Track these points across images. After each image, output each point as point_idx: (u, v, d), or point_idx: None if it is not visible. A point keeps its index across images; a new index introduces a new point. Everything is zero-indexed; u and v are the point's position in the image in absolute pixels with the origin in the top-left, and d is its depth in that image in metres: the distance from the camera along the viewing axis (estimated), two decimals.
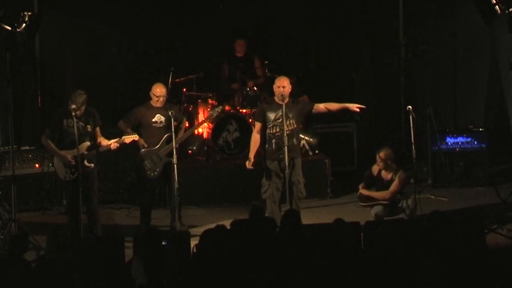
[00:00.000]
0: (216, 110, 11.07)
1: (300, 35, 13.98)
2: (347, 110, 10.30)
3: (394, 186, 10.14)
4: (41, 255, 9.40)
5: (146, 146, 10.37)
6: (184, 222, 10.70)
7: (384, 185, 10.22)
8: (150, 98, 10.46)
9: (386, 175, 10.26)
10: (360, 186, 10.37)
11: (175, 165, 10.01)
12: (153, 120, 10.35)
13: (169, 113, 10.15)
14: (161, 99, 10.36)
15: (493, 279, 6.50)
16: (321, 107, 10.13)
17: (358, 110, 10.11)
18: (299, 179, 10.01)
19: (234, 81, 12.88)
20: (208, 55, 13.46)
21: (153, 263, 6.89)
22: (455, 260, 6.67)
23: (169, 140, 10.28)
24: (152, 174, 10.40)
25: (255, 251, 6.98)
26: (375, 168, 10.34)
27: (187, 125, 11.20)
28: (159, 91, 10.37)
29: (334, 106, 10.19)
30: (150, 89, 10.46)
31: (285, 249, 7.01)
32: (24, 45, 11.31)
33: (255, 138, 10.12)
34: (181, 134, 10.59)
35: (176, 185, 10.04)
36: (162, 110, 10.38)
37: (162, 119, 10.30)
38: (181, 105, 12.27)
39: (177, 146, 10.22)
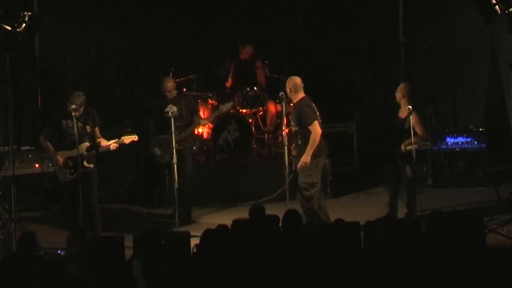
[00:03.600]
0: (227, 105, 11.41)
1: (300, 35, 13.97)
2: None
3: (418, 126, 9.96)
4: (41, 256, 9.38)
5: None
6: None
7: (404, 125, 10.03)
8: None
9: (402, 113, 10.08)
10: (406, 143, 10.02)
11: (175, 165, 10.10)
12: (165, 110, 10.68)
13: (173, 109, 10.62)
14: (170, 92, 10.91)
15: (493, 279, 6.50)
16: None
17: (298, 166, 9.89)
18: (300, 184, 9.93)
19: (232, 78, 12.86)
20: (208, 55, 13.46)
21: (153, 263, 6.88)
22: (455, 260, 6.67)
23: (180, 129, 10.68)
24: (162, 160, 10.85)
25: (256, 251, 6.98)
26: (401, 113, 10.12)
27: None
28: (165, 86, 10.95)
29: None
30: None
31: (285, 250, 7.01)
32: (24, 45, 11.29)
33: None
34: (193, 126, 11.12)
35: (176, 185, 10.13)
36: (174, 102, 10.82)
37: (174, 109, 10.62)
38: None
39: (188, 137, 10.94)
